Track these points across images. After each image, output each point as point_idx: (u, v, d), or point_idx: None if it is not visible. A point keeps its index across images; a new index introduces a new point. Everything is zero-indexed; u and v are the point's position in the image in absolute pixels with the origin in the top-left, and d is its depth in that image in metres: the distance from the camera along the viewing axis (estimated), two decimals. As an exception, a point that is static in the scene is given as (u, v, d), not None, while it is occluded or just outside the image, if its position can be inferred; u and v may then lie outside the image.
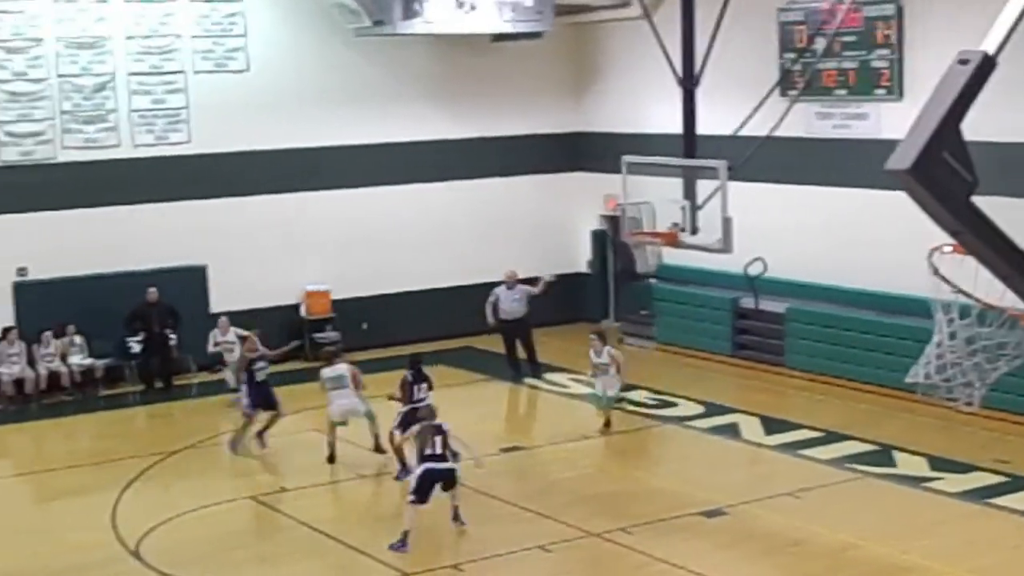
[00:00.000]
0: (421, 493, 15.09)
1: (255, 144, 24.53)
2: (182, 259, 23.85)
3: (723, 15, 18.41)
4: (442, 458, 15.27)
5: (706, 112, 18.94)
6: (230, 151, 24.31)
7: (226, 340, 21.91)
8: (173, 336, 22.97)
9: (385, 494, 17.30)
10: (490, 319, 22.99)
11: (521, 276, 23.57)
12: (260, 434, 18.92)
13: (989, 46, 4.72)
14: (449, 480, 15.37)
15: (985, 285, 6.44)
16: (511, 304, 22.97)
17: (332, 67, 25.18)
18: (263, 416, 18.96)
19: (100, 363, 22.91)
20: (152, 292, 22.80)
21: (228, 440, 19.06)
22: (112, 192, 23.43)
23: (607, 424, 19.76)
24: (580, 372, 23.40)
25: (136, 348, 22.98)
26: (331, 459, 18.18)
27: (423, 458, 15.30)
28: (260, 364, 19.18)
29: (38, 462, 19.65)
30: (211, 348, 22.15)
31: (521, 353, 23.22)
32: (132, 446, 19.74)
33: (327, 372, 18.42)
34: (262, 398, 19.02)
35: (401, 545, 14.84)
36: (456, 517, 15.56)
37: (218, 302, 24.06)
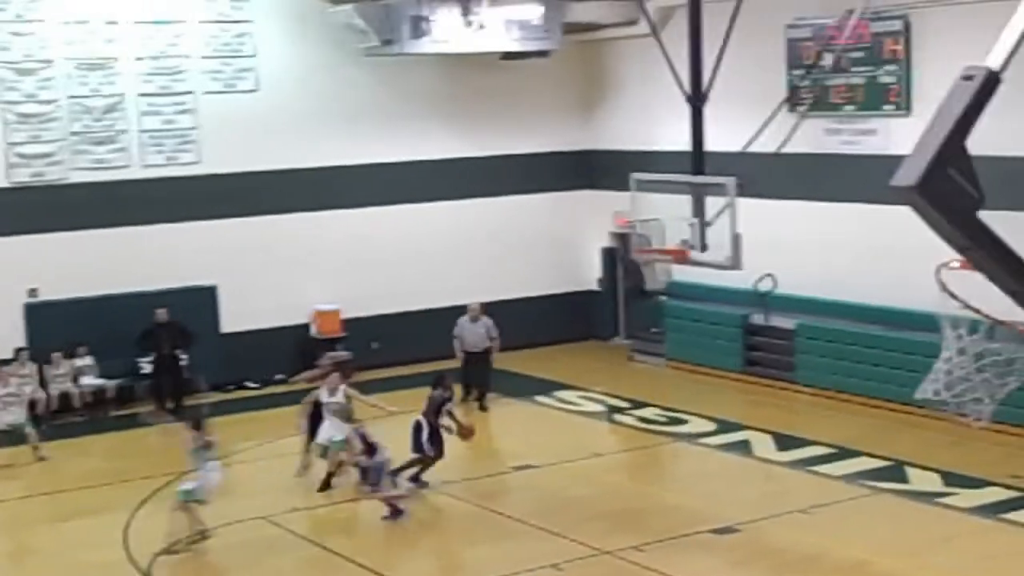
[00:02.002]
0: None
1: (265, 164, 24.58)
2: (192, 279, 23.88)
3: (731, 32, 18.44)
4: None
5: (714, 129, 18.94)
6: (240, 171, 24.37)
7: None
8: (184, 356, 22.99)
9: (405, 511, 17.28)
10: (458, 352, 22.70)
11: (533, 294, 23.59)
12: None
13: (993, 62, 4.72)
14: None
15: (994, 301, 6.43)
16: (475, 336, 22.71)
17: (341, 87, 25.24)
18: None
19: (111, 383, 22.94)
20: (162, 312, 22.81)
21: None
22: (122, 212, 23.48)
23: (328, 480, 18.03)
24: (590, 389, 23.43)
25: (147, 368, 22.99)
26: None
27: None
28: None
29: (50, 482, 19.66)
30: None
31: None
32: (143, 466, 19.73)
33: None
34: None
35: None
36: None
37: (228, 322, 24.11)
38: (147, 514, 17.31)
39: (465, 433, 18.40)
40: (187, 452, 16.25)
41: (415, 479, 17.88)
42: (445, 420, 18.13)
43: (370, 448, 16.87)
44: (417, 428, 17.94)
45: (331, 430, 17.97)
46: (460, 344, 22.71)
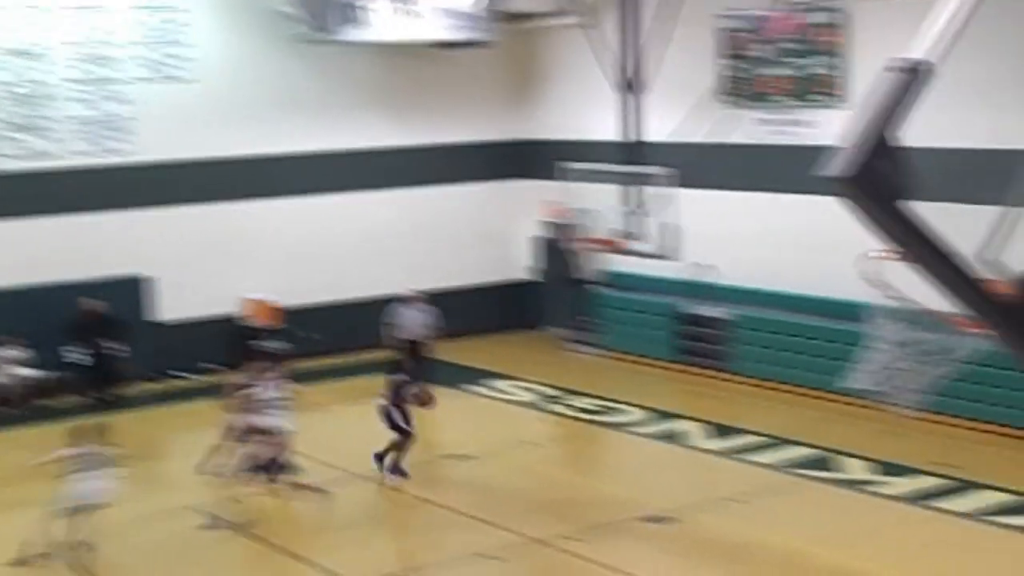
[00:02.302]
0: None
1: (197, 152, 24.38)
2: (124, 269, 23.65)
3: (663, 23, 18.48)
4: None
5: (647, 119, 19.01)
6: (172, 160, 24.16)
7: None
8: (117, 347, 22.78)
9: (332, 503, 17.20)
10: (389, 343, 22.24)
11: (467, 283, 23.54)
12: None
13: (920, 52, 4.74)
14: None
15: (923, 291, 6.47)
16: (412, 324, 22.47)
17: (275, 75, 25.08)
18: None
19: (41, 375, 22.69)
20: (95, 303, 22.59)
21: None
22: (52, 202, 23.22)
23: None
24: (524, 379, 23.44)
25: (79, 359, 22.76)
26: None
27: None
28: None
29: (-22, 475, 19.43)
30: None
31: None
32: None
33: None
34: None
35: None
36: None
37: (162, 312, 23.92)
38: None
39: (425, 400, 18.37)
40: (76, 459, 15.35)
41: (396, 469, 17.81)
42: (408, 398, 18.06)
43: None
44: (386, 412, 17.93)
45: (282, 422, 17.86)
46: (394, 331, 22.39)
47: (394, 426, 17.86)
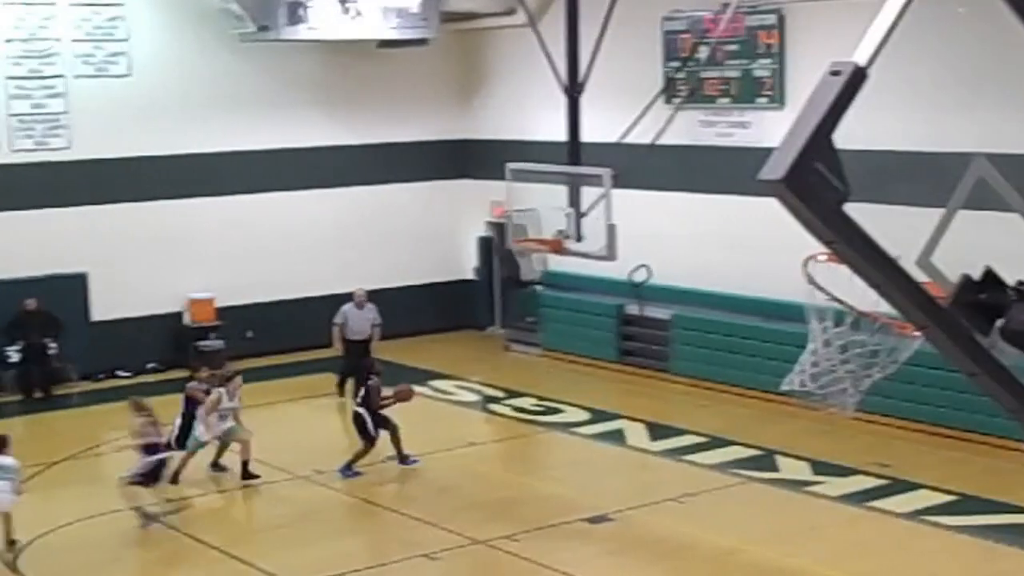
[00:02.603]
0: None
1: (138, 150, 24.20)
2: (63, 266, 23.46)
3: (607, 23, 18.54)
4: None
5: (591, 120, 19.06)
6: (112, 157, 23.98)
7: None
8: (53, 345, 22.61)
9: (273, 504, 17.15)
10: (337, 343, 21.93)
11: (409, 283, 23.47)
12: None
13: (860, 57, 4.78)
14: None
15: (859, 293, 6.53)
16: (360, 323, 22.13)
17: (217, 73, 24.94)
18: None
19: (-21, 373, 22.49)
20: (30, 301, 22.40)
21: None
22: (-8, 198, 23.03)
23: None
24: (466, 379, 23.44)
25: (14, 357, 22.57)
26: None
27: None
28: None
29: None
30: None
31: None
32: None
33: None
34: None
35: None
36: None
37: (100, 310, 23.74)
38: (15, 506, 16.96)
39: (404, 396, 18.36)
40: None
41: (349, 469, 17.90)
42: (384, 400, 18.12)
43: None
44: (359, 419, 17.96)
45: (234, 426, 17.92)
46: (341, 332, 22.09)
47: (366, 435, 17.91)
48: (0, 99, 23.05)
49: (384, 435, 17.97)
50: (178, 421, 18.00)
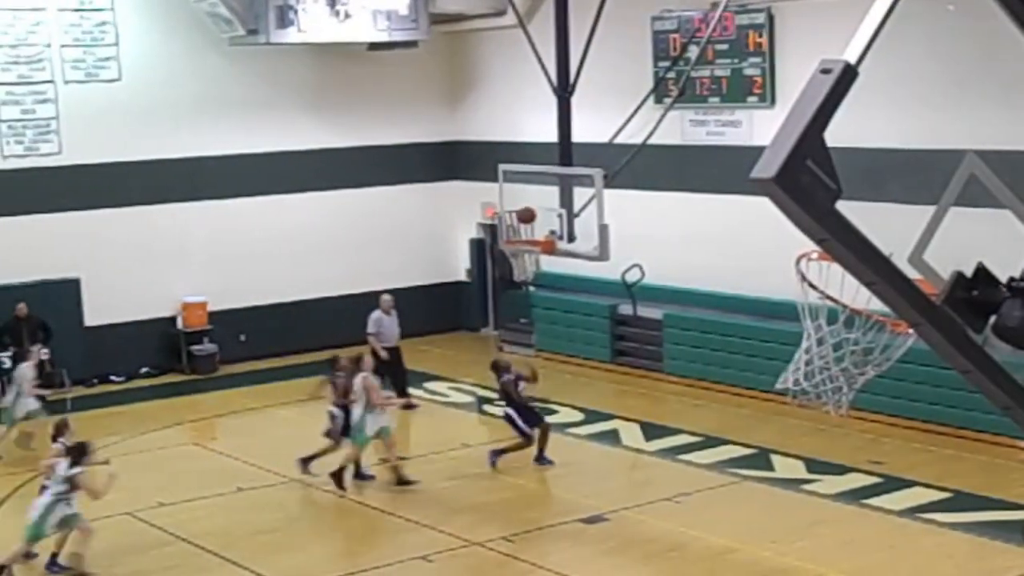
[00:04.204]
0: None
1: (128, 155, 24.19)
2: (55, 272, 23.44)
3: (597, 24, 18.54)
4: None
5: (581, 120, 19.06)
6: (102, 162, 23.96)
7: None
8: (45, 350, 22.54)
9: (266, 507, 17.13)
10: (382, 353, 20.88)
11: (402, 285, 23.42)
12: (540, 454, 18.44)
13: (851, 55, 4.78)
14: None
15: (851, 291, 6.53)
16: (392, 330, 21.75)
17: (207, 76, 24.92)
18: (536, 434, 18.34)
19: (-29, 380, 22.42)
20: (21, 306, 22.36)
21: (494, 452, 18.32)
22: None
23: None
24: (460, 380, 23.42)
25: (6, 363, 22.51)
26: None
27: None
28: (522, 382, 18.40)
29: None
30: None
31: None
32: (4, 463, 19.34)
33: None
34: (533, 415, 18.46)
35: None
36: None
37: (92, 315, 23.71)
38: (7, 512, 16.99)
39: (533, 378, 18.52)
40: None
41: (498, 453, 18.22)
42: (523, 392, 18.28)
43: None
44: (510, 418, 18.17)
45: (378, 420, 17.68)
46: (377, 339, 21.40)
47: (522, 432, 18.12)
48: (-6, 106, 23.03)
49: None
50: (335, 411, 17.89)
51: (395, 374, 21.02)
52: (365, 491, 17.44)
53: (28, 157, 23.43)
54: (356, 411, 17.44)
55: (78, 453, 14.77)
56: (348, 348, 24.89)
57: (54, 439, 15.30)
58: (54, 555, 14.87)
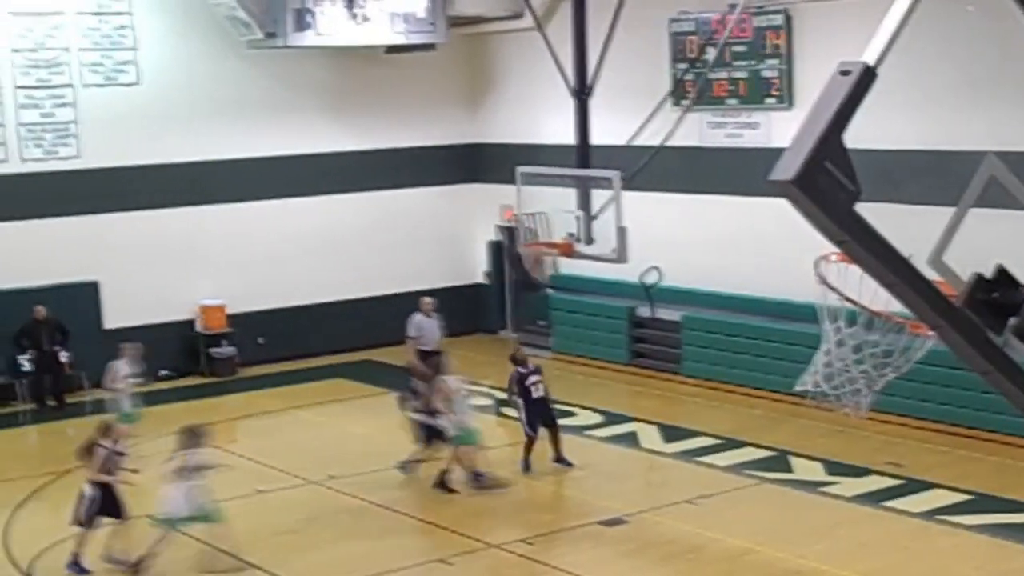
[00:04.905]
0: None
1: (147, 158, 24.25)
2: (74, 275, 23.51)
3: (614, 26, 18.55)
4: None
5: (599, 122, 19.06)
6: (121, 165, 24.02)
7: None
8: (64, 353, 22.64)
9: (284, 509, 17.15)
10: (417, 362, 20.29)
11: (420, 288, 23.42)
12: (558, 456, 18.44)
13: (870, 57, 4.78)
14: None
15: (870, 293, 6.53)
16: (433, 332, 21.48)
17: (225, 80, 24.97)
18: (544, 434, 18.33)
19: (-8, 382, 22.54)
20: (40, 309, 22.44)
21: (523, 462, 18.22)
22: (1, 207, 23.03)
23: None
24: (478, 383, 23.40)
25: (27, 366, 22.61)
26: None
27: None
28: (534, 378, 18.29)
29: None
30: None
31: None
32: (24, 465, 19.42)
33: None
34: (541, 414, 18.36)
35: None
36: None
37: (111, 318, 23.77)
38: (27, 514, 17.03)
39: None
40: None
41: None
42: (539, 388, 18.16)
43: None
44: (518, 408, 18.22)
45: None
46: (416, 343, 21.11)
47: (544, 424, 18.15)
48: (9, 109, 23.11)
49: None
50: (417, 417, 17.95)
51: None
52: (382, 493, 17.43)
53: (47, 161, 23.51)
54: (447, 416, 17.44)
55: (193, 436, 14.96)
56: (364, 352, 25.14)
57: (95, 442, 15.03)
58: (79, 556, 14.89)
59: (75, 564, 14.78)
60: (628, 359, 24.05)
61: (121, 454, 15.06)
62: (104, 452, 14.83)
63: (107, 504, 14.79)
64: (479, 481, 17.40)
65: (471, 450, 17.48)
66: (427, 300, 21.71)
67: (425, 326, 21.40)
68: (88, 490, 14.79)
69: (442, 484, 17.32)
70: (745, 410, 21.07)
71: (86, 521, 14.78)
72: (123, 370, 19.46)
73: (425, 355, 20.70)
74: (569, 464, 18.22)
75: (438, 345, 21.25)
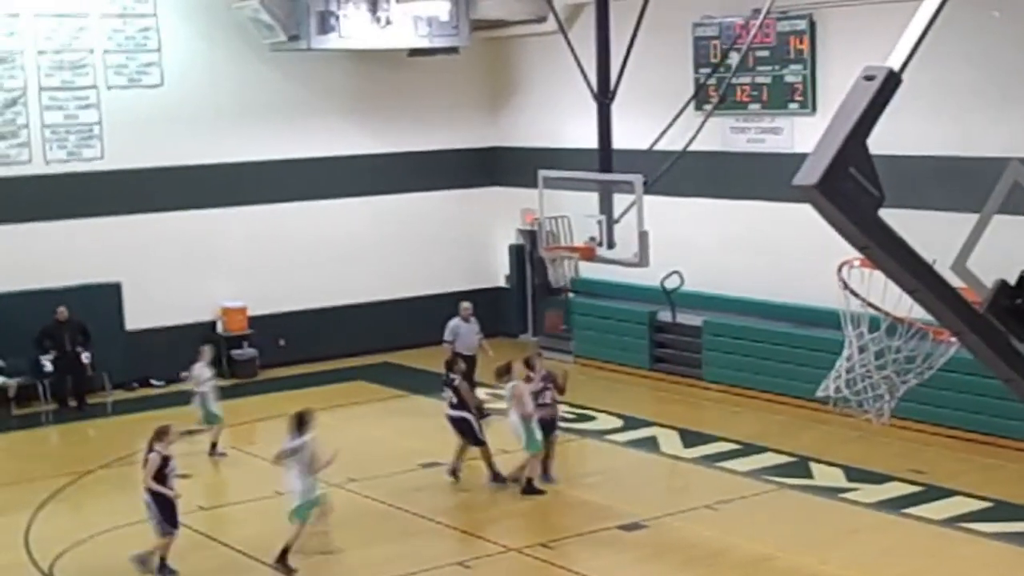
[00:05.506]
0: None
1: (170, 160, 24.31)
2: (96, 276, 23.57)
3: (638, 30, 18.54)
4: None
5: (622, 126, 19.05)
6: (144, 167, 24.09)
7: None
8: (86, 354, 22.70)
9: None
10: (453, 356, 20.05)
11: (441, 291, 23.41)
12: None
13: (894, 62, 4.76)
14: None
15: (893, 299, 6.50)
16: (470, 337, 21.49)
17: (248, 82, 25.03)
18: None
19: (12, 382, 22.58)
20: (62, 310, 22.51)
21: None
22: (25, 208, 23.12)
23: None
24: (498, 387, 23.37)
25: (48, 367, 22.67)
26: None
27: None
28: (540, 386, 17.99)
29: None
30: None
31: None
32: (45, 466, 19.48)
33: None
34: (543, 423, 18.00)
35: None
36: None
37: (133, 319, 23.84)
38: (49, 515, 17.08)
39: (560, 389, 18.29)
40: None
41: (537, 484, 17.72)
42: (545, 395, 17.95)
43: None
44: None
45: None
46: (453, 347, 20.98)
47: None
48: (34, 110, 23.19)
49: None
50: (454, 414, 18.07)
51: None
52: (403, 496, 17.43)
53: (71, 162, 23.60)
54: (512, 418, 17.41)
55: (301, 423, 15.12)
56: (384, 354, 25.15)
57: (150, 448, 14.84)
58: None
59: (163, 566, 14.76)
60: (649, 364, 24.01)
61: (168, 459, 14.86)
62: (158, 459, 14.72)
63: (164, 511, 14.68)
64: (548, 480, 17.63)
65: (535, 457, 17.44)
66: (466, 305, 21.75)
67: (462, 331, 21.41)
68: (145, 497, 14.74)
69: (531, 489, 17.28)
70: (766, 415, 21.02)
71: (158, 530, 14.70)
72: (205, 372, 19.53)
73: (464, 359, 20.44)
74: (550, 480, 17.87)
75: (475, 350, 21.27)
